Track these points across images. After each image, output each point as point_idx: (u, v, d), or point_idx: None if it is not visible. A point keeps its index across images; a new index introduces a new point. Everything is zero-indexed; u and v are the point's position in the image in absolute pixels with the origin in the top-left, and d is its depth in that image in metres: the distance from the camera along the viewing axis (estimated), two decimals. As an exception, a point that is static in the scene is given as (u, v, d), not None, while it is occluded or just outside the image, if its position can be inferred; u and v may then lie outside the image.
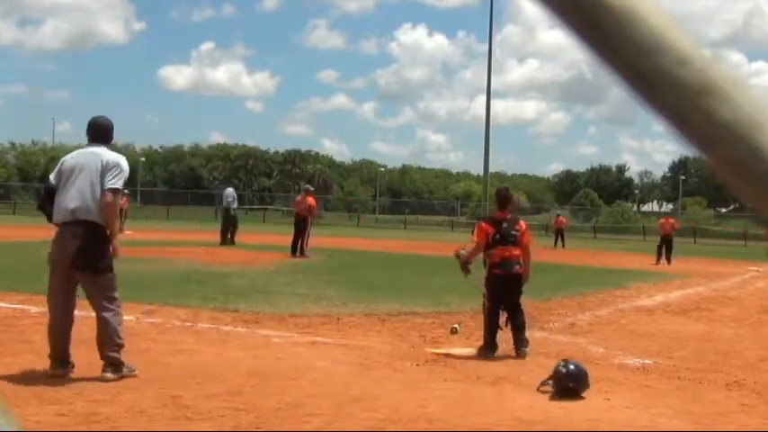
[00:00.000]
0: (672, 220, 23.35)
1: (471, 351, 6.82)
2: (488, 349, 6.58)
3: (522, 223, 7.06)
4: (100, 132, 5.65)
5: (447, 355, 6.57)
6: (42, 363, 5.52)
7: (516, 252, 6.75)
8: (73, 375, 5.18)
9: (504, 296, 6.74)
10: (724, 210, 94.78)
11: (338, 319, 8.27)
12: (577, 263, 19.62)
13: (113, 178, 5.34)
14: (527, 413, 4.75)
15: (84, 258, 5.23)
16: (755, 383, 5.91)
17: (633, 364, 6.54)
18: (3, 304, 8.31)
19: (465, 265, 6.88)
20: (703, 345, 7.80)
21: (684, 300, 12.20)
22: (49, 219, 5.47)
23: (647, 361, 6.70)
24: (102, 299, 5.28)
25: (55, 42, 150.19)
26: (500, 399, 5.10)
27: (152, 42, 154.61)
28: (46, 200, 5.50)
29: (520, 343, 6.59)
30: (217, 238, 21.32)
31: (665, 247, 21.87)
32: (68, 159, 5.55)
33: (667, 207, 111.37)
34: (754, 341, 8.24)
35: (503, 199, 7.12)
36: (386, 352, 6.53)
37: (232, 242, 21.19)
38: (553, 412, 4.80)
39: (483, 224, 7.07)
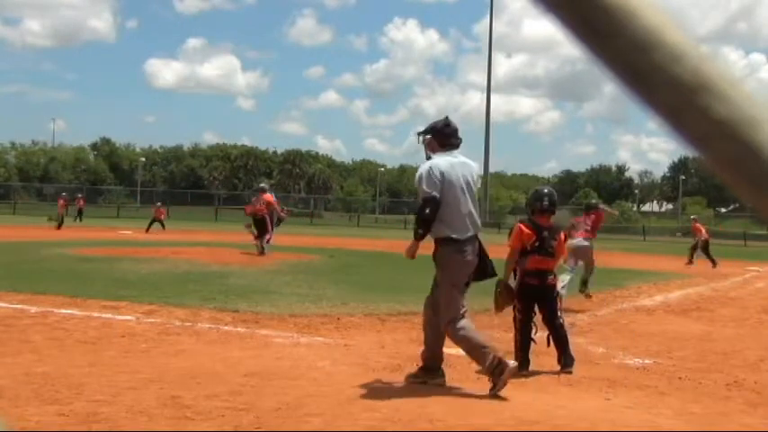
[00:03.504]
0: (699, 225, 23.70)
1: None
2: (521, 366, 5.87)
3: (563, 234, 6.49)
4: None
5: (447, 355, 6.56)
6: (42, 363, 5.52)
7: (551, 264, 6.27)
8: (73, 375, 5.17)
9: (539, 307, 6.18)
10: (724, 210, 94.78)
11: (338, 319, 8.27)
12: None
13: None
14: (527, 413, 4.74)
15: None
16: (755, 383, 5.90)
17: (633, 364, 6.53)
18: (3, 304, 8.31)
19: (503, 290, 6.18)
20: (703, 345, 7.79)
21: (684, 300, 12.19)
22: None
23: (647, 361, 6.69)
24: None
25: (40, 39, 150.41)
26: (500, 399, 5.09)
27: (140, 38, 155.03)
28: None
29: (566, 358, 6.06)
30: (216, 238, 21.31)
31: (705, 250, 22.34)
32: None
33: (667, 207, 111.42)
34: (754, 341, 8.23)
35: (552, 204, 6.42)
36: (386, 352, 6.52)
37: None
38: (553, 412, 4.80)
39: (522, 226, 6.33)
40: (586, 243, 10.87)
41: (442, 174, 5.28)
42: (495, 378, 5.12)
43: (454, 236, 5.30)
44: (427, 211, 5.25)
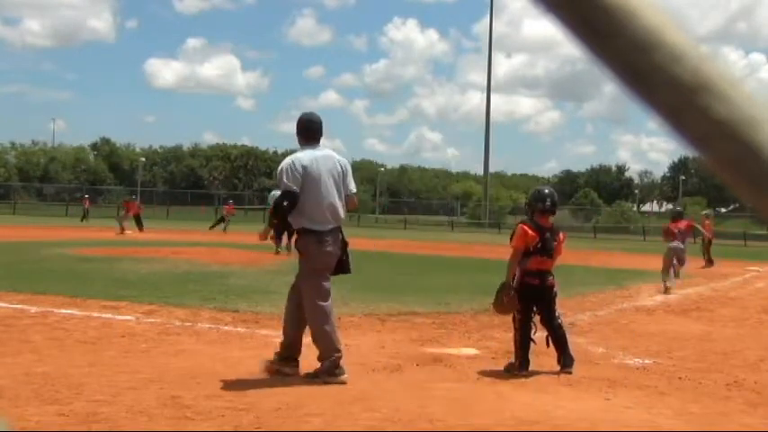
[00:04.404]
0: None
1: (472, 351, 6.82)
2: (521, 366, 5.93)
3: (562, 235, 6.43)
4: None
5: (447, 355, 6.57)
6: (42, 363, 5.52)
7: (551, 264, 6.24)
8: (73, 375, 5.17)
9: (538, 307, 6.14)
10: (724, 210, 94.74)
11: (338, 318, 8.25)
12: (577, 263, 19.62)
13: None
14: (527, 413, 4.74)
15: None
16: (755, 383, 5.90)
17: (633, 364, 6.53)
18: (3, 304, 8.31)
19: (509, 292, 6.11)
20: (703, 345, 7.79)
21: (684, 300, 12.19)
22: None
23: (647, 361, 6.69)
24: None
25: (40, 39, 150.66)
26: (500, 399, 5.10)
27: (139, 39, 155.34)
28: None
29: (566, 358, 6.03)
30: (216, 238, 21.31)
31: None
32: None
33: (667, 207, 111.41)
34: (754, 341, 8.23)
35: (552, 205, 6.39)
36: (386, 352, 6.52)
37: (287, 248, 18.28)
38: (553, 412, 4.80)
39: (525, 227, 6.24)
40: (681, 246, 13.58)
41: (303, 167, 5.46)
42: (326, 378, 5.29)
43: (313, 227, 5.47)
44: (285, 203, 5.45)
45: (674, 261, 13.31)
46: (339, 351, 5.43)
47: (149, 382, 5.06)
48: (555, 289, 6.24)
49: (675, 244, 13.46)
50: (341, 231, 5.63)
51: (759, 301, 12.72)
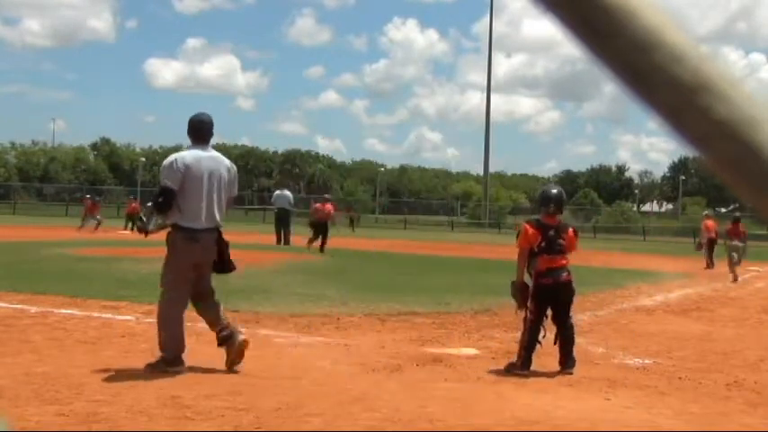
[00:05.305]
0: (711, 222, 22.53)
1: (472, 351, 6.82)
2: (523, 366, 5.89)
3: (571, 230, 6.38)
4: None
5: (447, 355, 6.57)
6: (42, 363, 5.52)
7: (563, 261, 6.16)
8: (73, 375, 5.17)
9: (554, 307, 6.10)
10: (724, 210, 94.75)
11: (338, 319, 8.26)
12: (577, 263, 19.60)
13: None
14: (527, 413, 4.74)
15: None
16: (755, 383, 5.90)
17: (633, 364, 6.53)
18: (3, 304, 8.31)
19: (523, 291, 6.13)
20: (703, 345, 7.80)
21: (684, 300, 12.19)
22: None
23: (647, 361, 6.69)
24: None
25: (40, 39, 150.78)
26: (500, 399, 5.10)
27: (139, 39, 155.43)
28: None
29: (568, 360, 6.03)
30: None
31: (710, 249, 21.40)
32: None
33: (667, 207, 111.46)
34: (755, 341, 8.23)
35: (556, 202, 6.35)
36: (386, 352, 6.52)
37: (287, 243, 21.75)
38: (553, 412, 4.80)
39: (527, 226, 6.26)
40: (739, 244, 17.61)
41: (186, 166, 5.54)
42: (155, 368, 5.35)
43: (184, 224, 5.54)
44: (160, 200, 5.58)
45: (734, 256, 16.95)
46: (182, 348, 5.49)
47: (149, 382, 5.07)
48: (573, 286, 6.20)
49: (735, 242, 17.57)
50: (218, 233, 5.71)
51: (759, 301, 12.73)
